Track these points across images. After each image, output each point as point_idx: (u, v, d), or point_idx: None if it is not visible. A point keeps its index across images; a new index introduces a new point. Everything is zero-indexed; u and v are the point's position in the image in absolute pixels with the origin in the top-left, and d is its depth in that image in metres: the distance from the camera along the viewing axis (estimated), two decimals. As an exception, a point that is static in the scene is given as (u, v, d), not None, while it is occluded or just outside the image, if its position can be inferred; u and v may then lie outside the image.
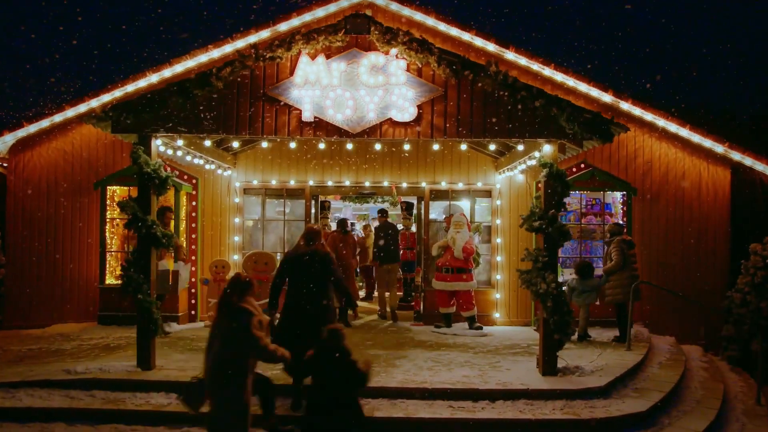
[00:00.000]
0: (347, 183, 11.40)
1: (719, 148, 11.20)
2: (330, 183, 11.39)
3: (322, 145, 8.08)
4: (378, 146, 8.55)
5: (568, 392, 6.99)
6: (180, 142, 7.86)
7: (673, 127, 11.17)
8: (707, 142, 11.19)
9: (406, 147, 11.13)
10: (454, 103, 7.59)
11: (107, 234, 10.89)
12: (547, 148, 7.66)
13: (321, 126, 7.58)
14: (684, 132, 11.17)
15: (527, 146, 7.94)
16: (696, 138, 11.18)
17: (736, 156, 11.23)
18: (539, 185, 11.39)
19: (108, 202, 10.85)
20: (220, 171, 10.92)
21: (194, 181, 11.15)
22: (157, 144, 7.73)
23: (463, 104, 7.58)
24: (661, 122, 11.14)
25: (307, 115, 7.52)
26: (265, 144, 8.43)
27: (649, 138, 11.48)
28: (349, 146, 7.98)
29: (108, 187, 10.83)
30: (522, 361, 8.36)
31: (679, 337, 10.76)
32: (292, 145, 7.88)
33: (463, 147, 8.56)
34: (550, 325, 7.41)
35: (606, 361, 8.25)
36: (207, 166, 10.25)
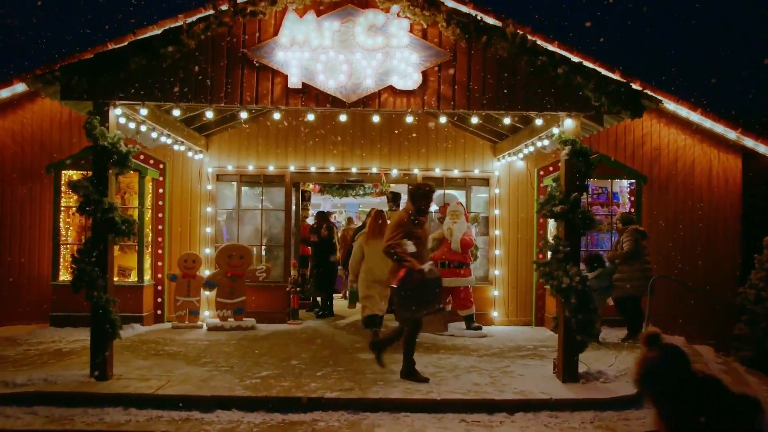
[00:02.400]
0: (332, 169, 10.36)
1: (731, 134, 10.46)
2: (313, 169, 10.34)
3: (311, 116, 6.98)
4: (375, 118, 7.27)
5: (597, 402, 6.07)
6: (144, 112, 6.71)
7: (683, 111, 10.40)
8: (719, 128, 10.44)
9: (397, 131, 10.14)
10: (464, 70, 6.61)
11: (62, 224, 9.68)
12: (569, 123, 6.73)
13: (310, 94, 6.52)
14: (695, 116, 10.40)
15: (546, 121, 7.01)
16: (707, 123, 10.43)
17: (749, 143, 10.51)
18: (541, 173, 10.67)
19: (63, 188, 9.63)
20: (190, 154, 9.77)
21: (161, 165, 9.99)
22: (117, 114, 6.58)
23: (475, 72, 6.61)
24: (671, 106, 10.33)
25: (294, 81, 6.46)
26: (244, 114, 7.25)
27: (657, 123, 10.68)
28: (343, 117, 6.91)
29: (63, 172, 9.61)
30: (533, 365, 7.46)
31: (687, 336, 9.97)
32: (276, 116, 6.80)
33: (474, 120, 7.54)
34: (572, 324, 6.49)
35: (627, 364, 7.36)
36: (176, 147, 9.10)
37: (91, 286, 6.09)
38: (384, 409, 5.80)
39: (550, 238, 6.86)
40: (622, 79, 6.89)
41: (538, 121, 6.97)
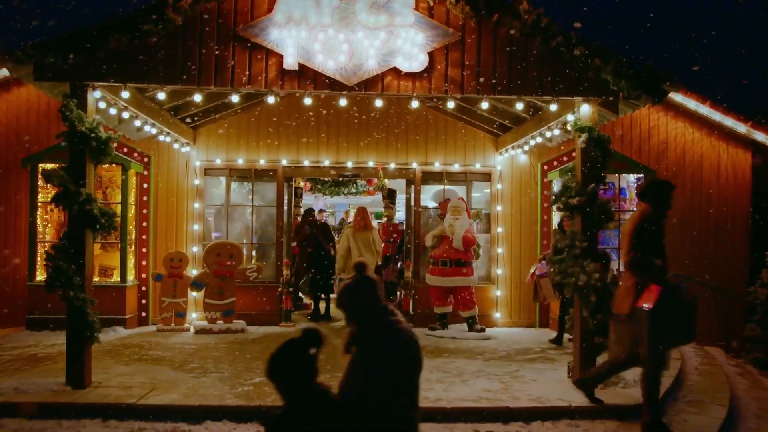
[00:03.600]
0: (326, 163, 9.84)
1: (741, 128, 10.11)
2: (306, 163, 9.81)
3: (308, 100, 6.44)
4: (378, 102, 6.58)
5: (618, 409, 5.63)
6: (126, 96, 6.15)
7: (692, 104, 10.05)
8: (728, 121, 10.10)
9: (395, 123, 9.66)
10: (474, 52, 6.13)
11: (39, 221, 9.08)
12: (585, 109, 6.27)
13: (307, 76, 6.01)
14: (704, 109, 10.04)
15: (560, 107, 6.54)
16: (717, 116, 10.09)
17: (759, 136, 10.17)
18: (545, 167, 10.21)
19: (40, 182, 9.03)
20: (177, 146, 9.22)
21: (146, 159, 9.42)
22: (96, 97, 6.03)
23: (485, 53, 6.13)
24: (679, 98, 9.96)
25: (290, 62, 5.94)
26: (235, 98, 6.67)
27: (664, 116, 10.28)
28: (343, 102, 6.36)
29: (40, 165, 8.96)
30: (544, 369, 7.00)
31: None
32: (271, 99, 6.25)
33: (485, 105, 7.02)
34: (590, 325, 6.03)
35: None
36: (162, 138, 8.55)
37: (66, 285, 5.54)
38: (390, 419, 5.30)
39: (560, 232, 6.37)
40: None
41: (553, 107, 6.50)
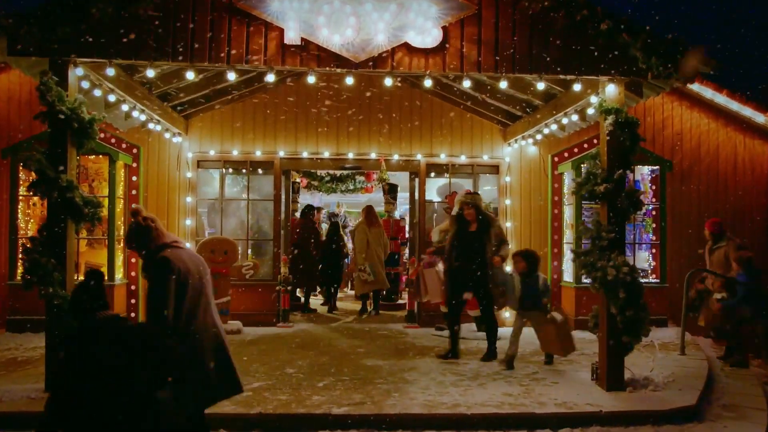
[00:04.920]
0: (326, 155, 9.33)
1: (760, 118, 9.69)
2: (305, 154, 9.30)
3: (311, 79, 5.91)
4: (388, 81, 5.95)
5: (652, 414, 5.15)
6: (111, 73, 5.61)
7: (708, 93, 9.63)
8: (746, 111, 9.68)
9: (398, 112, 9.17)
10: (491, 27, 5.64)
11: (20, 216, 8.52)
12: (611, 89, 5.78)
13: (310, 52, 5.49)
14: (720, 98, 9.61)
15: (583, 87, 6.06)
16: (734, 105, 9.67)
17: (779, 126, 9.73)
18: (556, 159, 9.72)
19: (22, 175, 8.48)
20: (168, 135, 8.68)
21: (135, 150, 8.89)
22: (78, 75, 5.50)
23: (503, 28, 5.65)
24: (695, 86, 9.49)
25: (292, 36, 5.42)
26: (232, 76, 6.02)
27: (679, 106, 9.85)
28: (349, 80, 5.79)
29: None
30: (564, 370, 6.53)
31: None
32: (270, 77, 5.71)
33: (504, 85, 6.48)
34: (619, 323, 5.55)
35: (671, 369, 6.46)
36: (151, 126, 8.01)
37: (45, 281, 5.01)
38: (404, 427, 4.82)
39: (584, 224, 5.89)
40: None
41: (576, 87, 6.01)
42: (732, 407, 5.68)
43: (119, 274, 8.64)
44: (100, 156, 8.41)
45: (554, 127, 7.76)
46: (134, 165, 8.88)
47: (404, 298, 11.75)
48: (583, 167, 8.72)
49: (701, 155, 9.87)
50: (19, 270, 8.31)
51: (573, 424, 4.97)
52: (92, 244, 8.69)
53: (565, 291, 9.25)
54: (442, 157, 9.46)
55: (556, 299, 9.40)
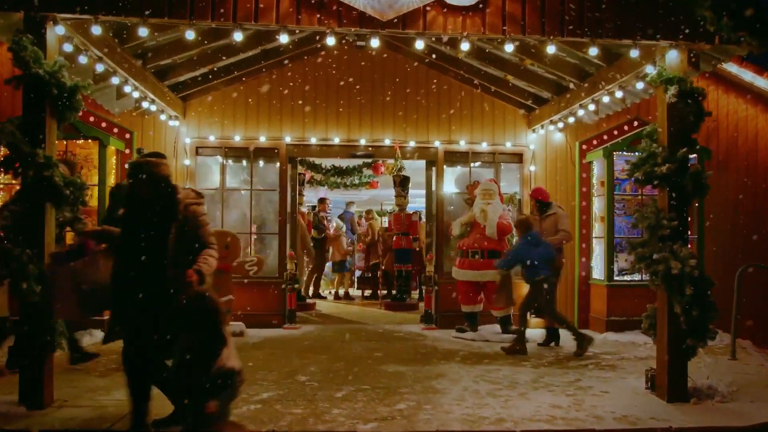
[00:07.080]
0: (336, 141, 8.59)
1: (804, 103, 8.97)
2: (314, 140, 8.56)
3: (330, 40, 5.13)
4: (419, 44, 5.02)
5: (728, 431, 4.40)
6: (97, 32, 4.83)
7: (748, 75, 8.93)
8: (791, 96, 8.96)
9: (415, 94, 8.43)
10: (537, -17, 4.92)
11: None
12: (673, 56, 5.07)
13: (329, 9, 4.74)
14: (761, 82, 8.91)
15: (642, 51, 5.31)
16: (776, 89, 8.93)
17: (825, 113, 9.03)
18: (584, 147, 8.94)
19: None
20: (163, 117, 7.93)
21: (128, 135, 8.12)
22: (59, 35, 4.73)
23: (551, -16, 4.92)
24: (733, 69, 8.80)
25: (309, -10, 4.69)
26: (239, 36, 5.12)
27: (714, 90, 9.11)
28: (375, 43, 4.98)
29: (2, 140, 7.65)
30: (610, 378, 5.80)
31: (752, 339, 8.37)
32: (284, 38, 4.92)
33: (551, 49, 5.57)
34: (682, 324, 4.82)
35: (730, 377, 5.72)
36: (146, 106, 7.25)
37: (18, 275, 4.24)
38: (443, 447, 4.07)
39: (645, 210, 5.14)
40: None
41: (633, 53, 5.26)
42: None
43: (110, 271, 7.87)
44: (90, 140, 7.65)
45: (591, 107, 7.03)
46: (127, 151, 8.11)
47: (414, 298, 11.11)
48: (622, 156, 8.04)
49: (739, 143, 9.16)
50: (0, 266, 7.56)
51: (639, 443, 4.24)
52: (81, 238, 7.92)
53: (594, 289, 8.52)
54: (462, 144, 8.73)
55: (584, 298, 8.69)
